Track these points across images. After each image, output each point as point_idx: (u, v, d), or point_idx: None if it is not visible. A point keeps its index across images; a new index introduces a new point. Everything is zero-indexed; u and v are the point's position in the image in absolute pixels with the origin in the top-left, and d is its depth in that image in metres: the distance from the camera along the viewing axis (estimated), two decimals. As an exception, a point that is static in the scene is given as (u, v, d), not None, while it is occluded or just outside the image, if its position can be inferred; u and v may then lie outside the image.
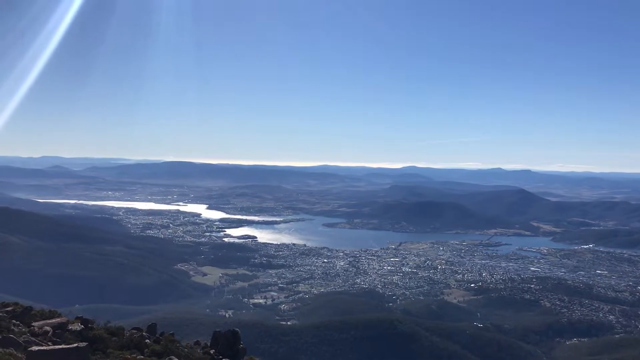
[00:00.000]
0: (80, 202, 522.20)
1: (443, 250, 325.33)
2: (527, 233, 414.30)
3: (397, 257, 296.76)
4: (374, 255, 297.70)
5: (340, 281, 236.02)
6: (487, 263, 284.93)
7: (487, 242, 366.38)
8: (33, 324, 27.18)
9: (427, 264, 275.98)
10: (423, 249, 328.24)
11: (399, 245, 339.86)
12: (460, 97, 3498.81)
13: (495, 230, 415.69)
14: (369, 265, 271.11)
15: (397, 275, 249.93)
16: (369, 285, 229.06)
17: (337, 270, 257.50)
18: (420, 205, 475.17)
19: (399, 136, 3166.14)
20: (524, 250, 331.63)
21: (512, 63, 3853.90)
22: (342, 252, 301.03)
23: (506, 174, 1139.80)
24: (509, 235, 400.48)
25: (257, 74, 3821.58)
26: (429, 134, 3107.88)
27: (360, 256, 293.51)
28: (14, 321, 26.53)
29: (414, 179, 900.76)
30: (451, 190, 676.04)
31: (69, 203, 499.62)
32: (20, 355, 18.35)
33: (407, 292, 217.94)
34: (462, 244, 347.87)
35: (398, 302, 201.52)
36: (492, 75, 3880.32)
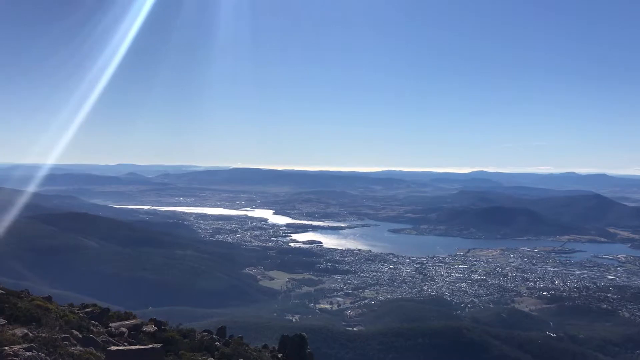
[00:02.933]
0: (154, 207, 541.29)
1: (513, 257, 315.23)
2: (602, 240, 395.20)
3: (465, 264, 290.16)
4: (442, 262, 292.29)
5: (407, 288, 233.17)
6: (560, 270, 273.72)
7: (560, 249, 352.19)
8: (110, 324, 28.26)
9: (497, 271, 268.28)
10: (492, 255, 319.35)
11: (468, 251, 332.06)
12: (531, 98, 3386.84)
13: (569, 237, 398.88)
14: (436, 272, 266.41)
15: (465, 282, 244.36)
16: (437, 292, 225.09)
17: (404, 276, 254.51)
18: (489, 210, 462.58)
19: (466, 140, 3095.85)
20: (600, 257, 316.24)
21: (588, 62, 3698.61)
22: (409, 259, 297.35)
23: (580, 178, 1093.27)
24: (583, 242, 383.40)
25: (321, 81, 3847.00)
26: (499, 137, 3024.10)
27: (427, 263, 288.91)
28: (93, 322, 27.67)
29: (482, 184, 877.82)
30: (522, 195, 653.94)
31: (142, 209, 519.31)
32: (99, 355, 19.09)
33: (476, 300, 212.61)
34: (534, 251, 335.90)
35: (467, 310, 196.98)
36: (565, 76, 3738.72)
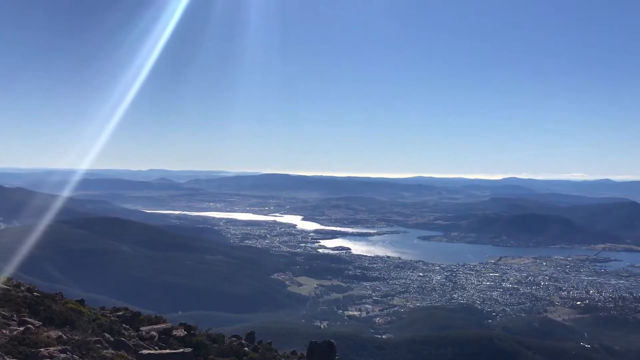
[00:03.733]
0: (184, 212, 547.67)
1: (546, 265, 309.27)
2: (639, 249, 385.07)
3: (496, 272, 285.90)
4: (472, 270, 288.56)
5: (437, 296, 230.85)
6: (594, 280, 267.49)
7: (594, 257, 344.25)
8: (141, 328, 28.59)
9: (529, 280, 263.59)
10: (525, 264, 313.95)
11: (499, 259, 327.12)
12: (564, 103, 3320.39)
13: (604, 245, 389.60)
14: (466, 280, 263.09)
15: (496, 290, 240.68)
16: (467, 300, 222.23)
17: (434, 284, 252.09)
18: (521, 218, 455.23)
19: (498, 146, 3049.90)
20: (637, 267, 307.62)
21: (622, 66, 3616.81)
22: (439, 266, 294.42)
23: (615, 185, 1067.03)
24: (619, 251, 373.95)
25: (350, 87, 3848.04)
26: (531, 143, 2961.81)
27: (457, 270, 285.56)
28: (124, 325, 28.03)
29: (514, 191, 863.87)
30: (555, 202, 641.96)
31: (173, 214, 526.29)
32: (130, 358, 19.31)
33: (508, 309, 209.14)
34: (567, 260, 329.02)
35: (498, 319, 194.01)
36: (600, 81, 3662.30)
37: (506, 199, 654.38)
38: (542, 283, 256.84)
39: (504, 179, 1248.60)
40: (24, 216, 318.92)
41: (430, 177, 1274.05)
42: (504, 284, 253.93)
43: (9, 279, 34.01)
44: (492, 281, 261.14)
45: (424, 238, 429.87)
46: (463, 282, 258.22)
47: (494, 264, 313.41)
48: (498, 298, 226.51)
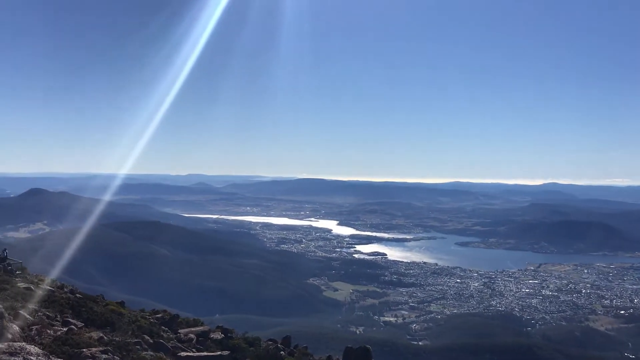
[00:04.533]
0: (222, 217, 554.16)
1: (588, 273, 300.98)
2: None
3: (536, 279, 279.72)
4: (511, 277, 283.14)
5: (474, 302, 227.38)
6: (639, 288, 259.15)
7: (639, 265, 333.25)
8: (179, 330, 29.03)
9: (570, 287, 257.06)
10: (565, 271, 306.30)
11: (539, 266, 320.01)
12: (607, 107, 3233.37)
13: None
14: (505, 286, 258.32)
15: (536, 298, 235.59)
16: (505, 307, 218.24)
17: (471, 291, 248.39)
18: (562, 224, 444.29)
19: (538, 150, 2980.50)
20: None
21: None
22: (476, 273, 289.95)
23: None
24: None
25: (385, 90, 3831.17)
26: (572, 147, 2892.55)
27: (495, 277, 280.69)
28: (163, 327, 28.50)
29: (555, 197, 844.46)
30: (597, 208, 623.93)
31: (211, 218, 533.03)
32: (169, 360, 19.61)
33: (547, 317, 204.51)
34: (610, 267, 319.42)
35: (537, 327, 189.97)
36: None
37: (546, 204, 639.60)
38: (584, 291, 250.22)
39: (543, 184, 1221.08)
40: (68, 220, 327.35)
41: (468, 182, 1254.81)
42: (543, 292, 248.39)
43: (53, 281, 34.99)
44: (531, 288, 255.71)
45: (462, 244, 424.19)
46: (501, 289, 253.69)
47: (534, 270, 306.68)
48: (537, 306, 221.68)
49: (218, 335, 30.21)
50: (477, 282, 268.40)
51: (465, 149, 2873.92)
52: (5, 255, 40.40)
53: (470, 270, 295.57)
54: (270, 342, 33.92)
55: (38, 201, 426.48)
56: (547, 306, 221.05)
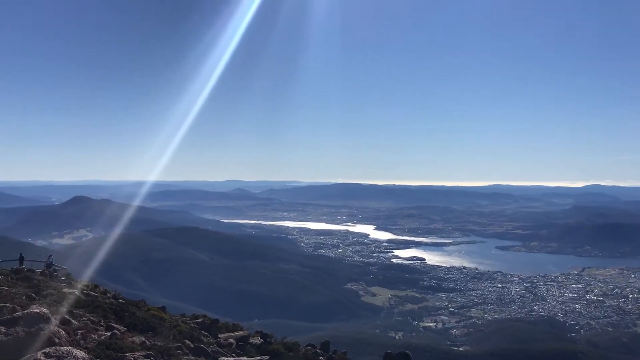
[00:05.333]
0: (259, 222, 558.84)
1: (635, 277, 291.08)
2: None
3: (580, 283, 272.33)
4: (554, 281, 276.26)
5: (516, 307, 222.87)
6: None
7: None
8: (219, 335, 29.32)
9: (616, 292, 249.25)
10: (610, 275, 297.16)
11: (582, 270, 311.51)
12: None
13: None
14: (547, 291, 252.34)
15: (580, 303, 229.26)
16: (548, 312, 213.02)
17: (512, 295, 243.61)
18: (606, 227, 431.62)
19: (580, 152, 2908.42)
20: None
21: None
22: (518, 277, 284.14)
23: None
24: None
25: (422, 92, 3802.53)
26: (616, 148, 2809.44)
27: (537, 281, 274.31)
28: (203, 332, 28.86)
29: (598, 199, 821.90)
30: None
31: (249, 223, 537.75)
32: (209, 364, 19.81)
33: (593, 322, 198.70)
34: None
35: (582, 333, 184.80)
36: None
37: (589, 207, 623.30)
38: (631, 295, 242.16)
39: (586, 186, 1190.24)
40: (110, 226, 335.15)
41: (508, 185, 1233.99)
42: (588, 296, 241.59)
43: (97, 286, 35.84)
44: (575, 293, 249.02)
45: (502, 248, 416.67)
46: (544, 293, 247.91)
47: (577, 275, 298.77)
48: (582, 311, 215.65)
49: (257, 340, 30.40)
50: (519, 286, 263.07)
51: (505, 152, 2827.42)
52: (51, 261, 41.70)
53: (511, 275, 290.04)
54: (309, 347, 33.95)
55: (82, 208, 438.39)
56: (592, 311, 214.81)
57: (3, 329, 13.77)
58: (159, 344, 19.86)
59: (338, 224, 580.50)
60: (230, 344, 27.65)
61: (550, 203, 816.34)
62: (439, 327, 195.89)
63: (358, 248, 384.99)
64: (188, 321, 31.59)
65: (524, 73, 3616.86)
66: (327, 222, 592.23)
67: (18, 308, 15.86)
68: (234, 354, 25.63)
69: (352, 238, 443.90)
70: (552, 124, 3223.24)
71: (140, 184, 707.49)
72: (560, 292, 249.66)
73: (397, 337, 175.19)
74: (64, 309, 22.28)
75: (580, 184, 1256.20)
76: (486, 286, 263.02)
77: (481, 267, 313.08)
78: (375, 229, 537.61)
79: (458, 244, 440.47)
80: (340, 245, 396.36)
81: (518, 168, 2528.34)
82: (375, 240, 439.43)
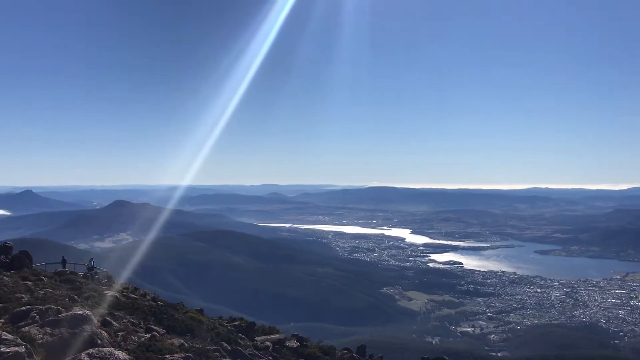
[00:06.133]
0: (294, 226, 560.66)
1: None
2: None
3: (623, 288, 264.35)
4: (595, 286, 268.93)
5: (556, 313, 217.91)
6: None
7: None
8: (256, 338, 29.56)
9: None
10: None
11: (626, 275, 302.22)
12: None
13: None
14: (589, 296, 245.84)
15: (624, 309, 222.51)
16: (590, 318, 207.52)
17: (552, 300, 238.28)
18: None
19: (622, 154, 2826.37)
20: None
21: None
22: (557, 282, 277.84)
23: None
24: None
25: (458, 93, 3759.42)
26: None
27: (578, 287, 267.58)
28: (240, 335, 29.12)
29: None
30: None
31: (284, 227, 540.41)
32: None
33: (637, 329, 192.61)
34: None
35: (626, 340, 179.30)
36: None
37: (632, 210, 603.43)
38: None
39: (629, 189, 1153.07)
40: (149, 230, 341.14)
41: (547, 188, 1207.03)
42: (632, 302, 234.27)
43: (136, 289, 36.56)
44: (618, 298, 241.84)
45: (541, 252, 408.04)
46: (585, 299, 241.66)
47: (620, 280, 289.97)
48: (626, 317, 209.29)
49: (293, 344, 30.53)
50: (559, 291, 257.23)
51: (544, 154, 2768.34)
52: (92, 264, 42.74)
53: (550, 280, 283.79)
54: (345, 351, 33.92)
55: (122, 212, 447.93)
56: (636, 317, 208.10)
57: (48, 330, 14.22)
58: (197, 346, 20.15)
59: (373, 227, 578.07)
60: (267, 347, 27.84)
61: (591, 206, 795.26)
62: (476, 332, 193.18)
63: (394, 252, 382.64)
64: (225, 324, 31.93)
65: (565, 72, 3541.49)
66: (362, 225, 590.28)
67: (62, 309, 16.34)
68: (270, 357, 25.80)
69: (388, 242, 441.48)
70: (593, 126, 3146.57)
71: (178, 188, 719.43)
72: (603, 298, 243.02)
73: (434, 342, 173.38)
74: (105, 311, 22.83)
75: (622, 186, 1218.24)
76: (525, 291, 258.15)
77: (520, 272, 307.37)
78: (411, 232, 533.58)
79: (496, 248, 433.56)
80: (376, 249, 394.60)
81: (557, 171, 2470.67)
82: (412, 244, 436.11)
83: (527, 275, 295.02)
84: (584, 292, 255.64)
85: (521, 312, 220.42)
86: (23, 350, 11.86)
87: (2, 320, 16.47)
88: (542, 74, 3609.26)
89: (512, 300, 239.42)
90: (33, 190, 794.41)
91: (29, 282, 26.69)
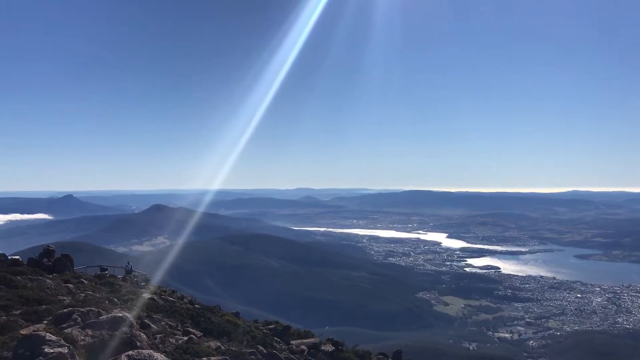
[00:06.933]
0: (329, 229, 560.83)
1: None
2: None
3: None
4: (639, 292, 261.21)
5: (598, 319, 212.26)
6: None
7: None
8: (291, 342, 29.60)
9: None
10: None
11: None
12: None
13: None
14: (632, 303, 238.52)
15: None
16: (634, 325, 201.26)
17: (593, 306, 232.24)
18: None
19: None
20: None
21: None
22: (599, 287, 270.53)
23: None
24: None
25: (497, 97, 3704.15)
26: None
27: (621, 292, 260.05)
28: (275, 338, 29.25)
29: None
30: None
31: (318, 230, 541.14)
32: (282, 371, 20.03)
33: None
34: None
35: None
36: None
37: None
38: None
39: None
40: (185, 233, 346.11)
41: (587, 191, 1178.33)
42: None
43: (174, 292, 37.11)
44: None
45: (581, 257, 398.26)
46: (628, 305, 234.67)
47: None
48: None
49: (329, 348, 30.47)
50: (600, 297, 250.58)
51: (583, 156, 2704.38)
52: (130, 267, 43.65)
53: (591, 285, 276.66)
54: (381, 356, 33.74)
55: (159, 216, 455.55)
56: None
57: (90, 332, 14.55)
58: (233, 349, 20.31)
59: (409, 231, 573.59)
60: (302, 351, 27.86)
61: (634, 209, 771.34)
62: (515, 338, 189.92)
63: (430, 256, 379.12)
64: (261, 327, 32.11)
65: (607, 72, 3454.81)
66: (397, 230, 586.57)
67: (103, 312, 16.70)
68: (305, 361, 25.83)
69: (424, 246, 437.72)
70: (636, 127, 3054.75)
71: (212, 192, 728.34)
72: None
73: (471, 348, 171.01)
74: (143, 313, 23.25)
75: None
76: (565, 296, 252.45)
77: (559, 277, 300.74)
78: (448, 237, 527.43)
79: (534, 253, 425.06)
80: (411, 253, 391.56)
81: (598, 173, 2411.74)
82: (448, 249, 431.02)
83: (567, 280, 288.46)
84: (627, 298, 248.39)
85: (561, 317, 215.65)
86: (66, 351, 12.16)
87: (46, 322, 16.94)
88: (585, 74, 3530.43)
89: (552, 306, 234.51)
90: (74, 195, 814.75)
91: (70, 285, 27.38)
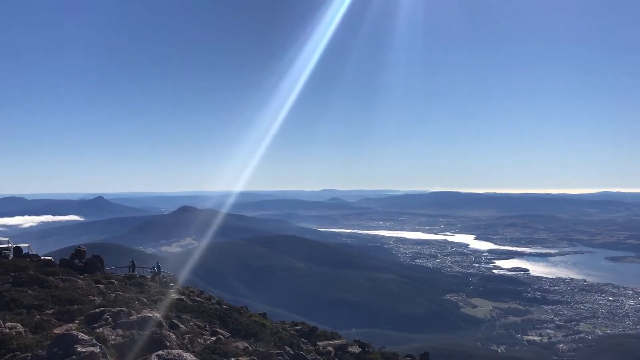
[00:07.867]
0: (355, 231, 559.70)
1: None
2: None
3: None
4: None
5: (631, 323, 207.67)
6: None
7: None
8: (318, 343, 29.67)
9: None
10: None
11: None
12: None
13: None
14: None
15: None
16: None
17: (626, 310, 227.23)
18: None
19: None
20: None
21: None
22: (632, 290, 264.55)
23: None
24: None
25: (524, 97, 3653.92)
26: None
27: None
28: (302, 339, 29.33)
29: None
30: None
31: (345, 232, 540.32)
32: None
33: None
34: None
35: None
36: None
37: None
38: None
39: None
40: (213, 235, 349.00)
41: (619, 192, 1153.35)
42: None
43: (202, 292, 37.48)
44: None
45: (613, 259, 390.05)
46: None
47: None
48: None
49: (355, 349, 30.46)
50: (633, 300, 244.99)
51: (615, 156, 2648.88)
52: (158, 270, 44.26)
53: (624, 288, 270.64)
54: (408, 358, 33.58)
55: (187, 218, 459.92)
56: None
57: (120, 331, 14.81)
58: (261, 349, 20.44)
59: (436, 233, 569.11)
60: (329, 352, 27.89)
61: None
62: (544, 341, 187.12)
63: (457, 258, 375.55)
64: (288, 328, 32.25)
65: (635, 70, 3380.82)
66: (424, 231, 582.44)
67: (133, 312, 16.98)
68: (332, 362, 25.83)
69: (451, 248, 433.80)
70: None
71: (239, 194, 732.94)
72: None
73: (499, 351, 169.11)
74: (172, 314, 23.54)
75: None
76: (596, 299, 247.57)
77: (590, 279, 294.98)
78: (475, 238, 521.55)
79: (564, 255, 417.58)
80: (439, 255, 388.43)
81: (629, 173, 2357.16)
82: (475, 251, 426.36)
83: (598, 283, 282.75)
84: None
85: (592, 321, 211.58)
86: (98, 350, 12.40)
87: (78, 321, 17.30)
88: (613, 74, 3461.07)
89: (582, 309, 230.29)
90: (104, 197, 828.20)
91: (101, 285, 27.90)
